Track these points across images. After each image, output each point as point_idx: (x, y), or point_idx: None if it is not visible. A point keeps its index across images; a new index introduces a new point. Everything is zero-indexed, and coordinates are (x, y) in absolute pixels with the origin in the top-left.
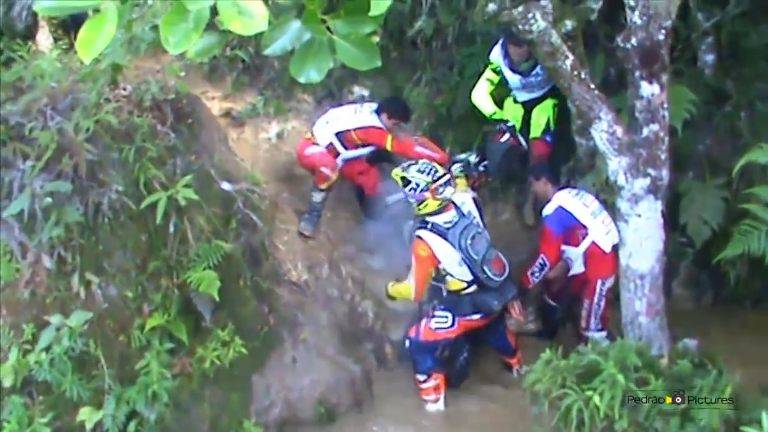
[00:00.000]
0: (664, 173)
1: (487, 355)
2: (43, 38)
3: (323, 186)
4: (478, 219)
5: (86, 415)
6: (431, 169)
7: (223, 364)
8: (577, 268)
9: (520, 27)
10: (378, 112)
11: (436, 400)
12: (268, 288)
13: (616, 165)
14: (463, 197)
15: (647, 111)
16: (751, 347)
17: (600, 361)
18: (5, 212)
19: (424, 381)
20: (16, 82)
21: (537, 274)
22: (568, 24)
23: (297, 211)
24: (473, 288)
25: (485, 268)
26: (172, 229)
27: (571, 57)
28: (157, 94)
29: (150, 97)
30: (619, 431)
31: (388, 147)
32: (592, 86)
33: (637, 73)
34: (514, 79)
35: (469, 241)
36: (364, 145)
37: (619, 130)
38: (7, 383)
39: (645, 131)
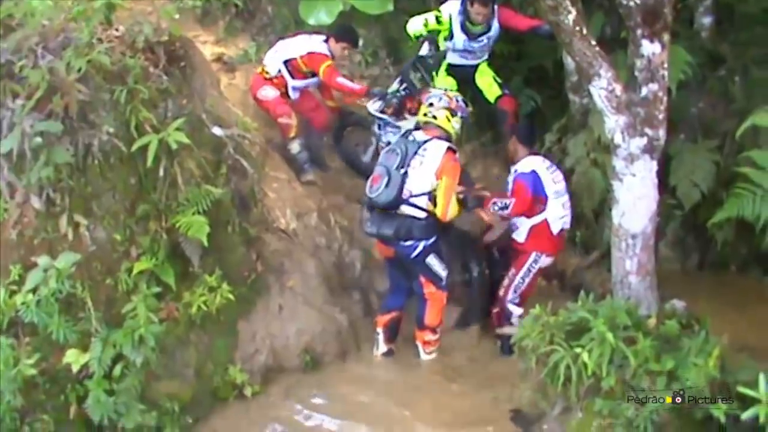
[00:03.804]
0: (661, 133)
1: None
2: None
3: (291, 134)
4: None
5: (72, 357)
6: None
7: (210, 310)
8: (518, 237)
9: None
10: (326, 40)
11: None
12: (257, 235)
13: (613, 123)
14: None
15: (647, 70)
16: (735, 311)
17: (589, 318)
18: None
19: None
20: (6, 19)
21: (496, 208)
22: None
23: (286, 159)
24: None
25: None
26: (162, 172)
27: (574, 12)
28: (150, 35)
29: (143, 39)
30: (606, 388)
31: (321, 73)
32: (593, 43)
33: (638, 31)
34: (459, 37)
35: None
36: (310, 75)
37: (618, 88)
38: None
39: (644, 90)
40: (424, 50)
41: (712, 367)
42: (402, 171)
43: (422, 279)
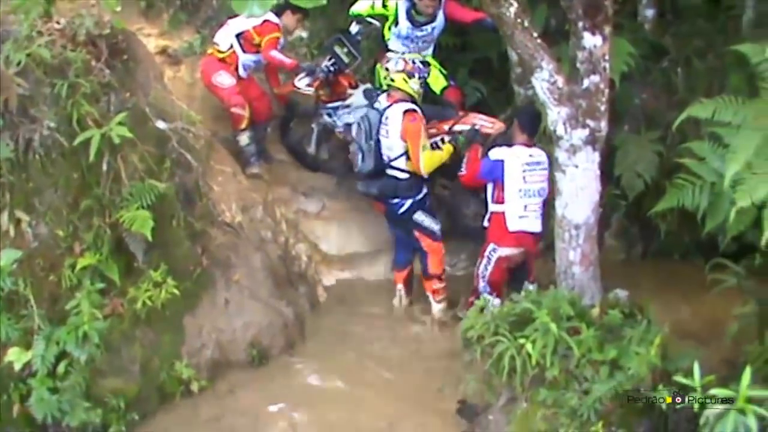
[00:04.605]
0: (603, 125)
1: None
2: None
3: (242, 126)
4: None
5: (15, 355)
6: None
7: (155, 305)
8: (485, 221)
9: None
10: (278, 14)
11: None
12: (202, 229)
13: (555, 115)
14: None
15: (589, 62)
16: (679, 299)
17: (533, 309)
18: None
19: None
20: None
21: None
22: None
23: (232, 152)
24: None
25: None
26: (105, 167)
27: (515, 4)
28: (92, 28)
29: (84, 32)
30: (550, 378)
31: (263, 41)
32: (535, 35)
33: (580, 24)
34: (403, 24)
35: None
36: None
37: (560, 80)
38: None
39: (586, 82)
40: (354, 29)
41: (653, 355)
42: (372, 142)
43: (417, 234)
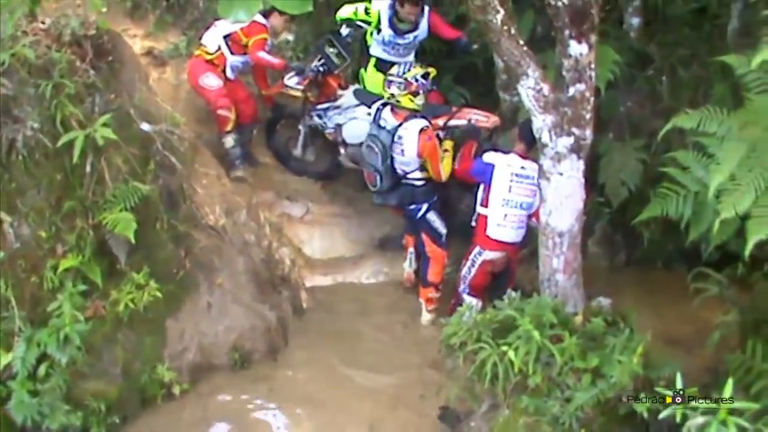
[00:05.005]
0: (588, 133)
1: None
2: None
3: (228, 128)
4: None
5: None
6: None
7: (138, 308)
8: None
9: None
10: (266, 15)
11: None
12: (185, 231)
13: (540, 123)
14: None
15: (574, 70)
16: (662, 307)
17: (516, 316)
18: None
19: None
20: None
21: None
22: None
23: (217, 155)
24: None
25: None
26: (88, 168)
27: (502, 11)
28: (77, 29)
29: (69, 32)
30: (532, 386)
31: (250, 43)
32: (521, 42)
33: (566, 32)
34: (386, 31)
35: None
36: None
37: (546, 88)
38: None
39: (571, 90)
40: (344, 31)
41: (635, 363)
42: (387, 162)
43: (424, 237)
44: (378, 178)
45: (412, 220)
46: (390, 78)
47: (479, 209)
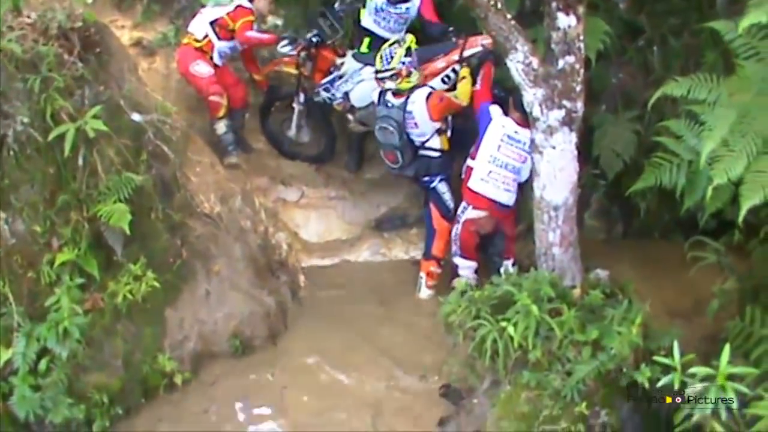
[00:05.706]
0: (579, 105)
1: None
2: None
3: (220, 114)
4: None
5: None
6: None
7: (136, 299)
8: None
9: None
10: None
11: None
12: (181, 220)
13: (531, 96)
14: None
15: (563, 43)
16: (660, 277)
17: (514, 291)
18: None
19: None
20: None
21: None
22: None
23: (210, 142)
24: None
25: None
26: (81, 161)
27: None
28: (64, 22)
29: (56, 25)
30: (533, 360)
31: (237, 26)
32: (509, 16)
33: (554, 4)
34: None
35: None
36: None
37: (535, 62)
38: None
39: (561, 63)
40: (337, 6)
41: (635, 334)
42: (404, 137)
43: (432, 208)
44: (399, 154)
45: (425, 191)
46: (379, 75)
47: (468, 161)
